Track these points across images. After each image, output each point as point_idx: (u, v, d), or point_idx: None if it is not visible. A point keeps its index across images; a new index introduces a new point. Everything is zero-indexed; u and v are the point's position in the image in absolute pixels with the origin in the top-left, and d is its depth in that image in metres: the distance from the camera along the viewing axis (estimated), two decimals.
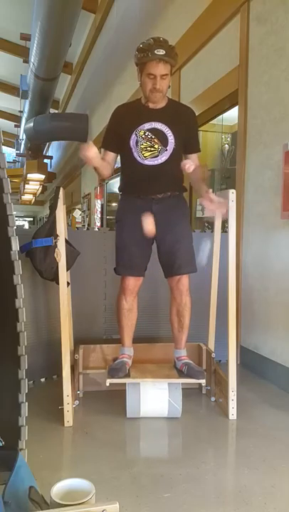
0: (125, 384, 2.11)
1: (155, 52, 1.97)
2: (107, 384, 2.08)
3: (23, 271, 1.51)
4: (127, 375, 2.12)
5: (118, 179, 2.80)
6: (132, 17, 5.14)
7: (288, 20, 2.48)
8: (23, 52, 7.49)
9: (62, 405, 2.02)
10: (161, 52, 1.97)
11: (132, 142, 2.12)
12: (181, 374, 2.17)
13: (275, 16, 2.60)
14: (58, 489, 1.09)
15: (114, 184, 7.17)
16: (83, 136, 2.08)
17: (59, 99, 10.86)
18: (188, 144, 2.21)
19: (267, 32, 2.69)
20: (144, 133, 2.11)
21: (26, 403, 1.53)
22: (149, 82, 2.05)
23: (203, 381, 2.15)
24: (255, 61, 2.84)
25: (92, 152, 2.00)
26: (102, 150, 2.25)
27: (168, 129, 2.12)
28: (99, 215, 7.82)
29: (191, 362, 2.21)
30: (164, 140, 2.12)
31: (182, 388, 2.12)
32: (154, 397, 2.07)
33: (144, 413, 2.08)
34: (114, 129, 2.21)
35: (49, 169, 12.00)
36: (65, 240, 2.14)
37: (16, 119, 11.34)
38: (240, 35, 2.97)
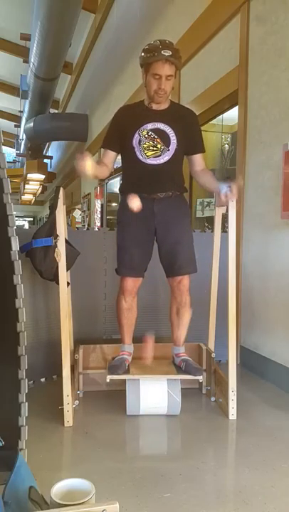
0: (125, 382, 2.12)
1: (162, 52, 1.99)
2: (108, 380, 2.10)
3: (23, 271, 1.51)
4: (127, 372, 2.14)
5: (118, 179, 2.80)
6: (132, 17, 5.14)
7: (288, 20, 2.48)
8: (23, 52, 7.50)
9: (62, 405, 2.02)
10: (168, 52, 1.99)
11: (135, 141, 2.13)
12: (179, 370, 2.19)
13: (275, 16, 2.60)
14: (58, 489, 1.09)
15: (115, 184, 7.17)
16: (83, 136, 2.08)
17: (59, 99, 10.86)
18: (192, 145, 2.22)
19: (267, 32, 2.69)
20: (147, 132, 2.13)
21: (26, 403, 1.53)
22: (154, 82, 2.06)
23: (200, 378, 2.17)
24: (255, 61, 2.84)
25: (88, 162, 1.93)
26: (103, 150, 2.26)
27: (170, 129, 2.14)
28: (99, 215, 7.82)
29: (189, 359, 2.23)
30: (166, 140, 2.13)
31: (182, 388, 2.13)
32: (154, 392, 2.10)
33: (144, 409, 2.09)
34: (116, 129, 2.21)
35: (49, 169, 12.01)
36: (65, 239, 2.14)
37: (16, 119, 11.35)
38: (240, 35, 2.97)
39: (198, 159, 2.25)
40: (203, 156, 2.28)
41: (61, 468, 1.73)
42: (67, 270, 2.15)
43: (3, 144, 1.43)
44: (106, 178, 2.24)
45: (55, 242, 2.09)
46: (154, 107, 2.17)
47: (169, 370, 2.21)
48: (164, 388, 2.10)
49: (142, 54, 2.07)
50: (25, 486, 1.08)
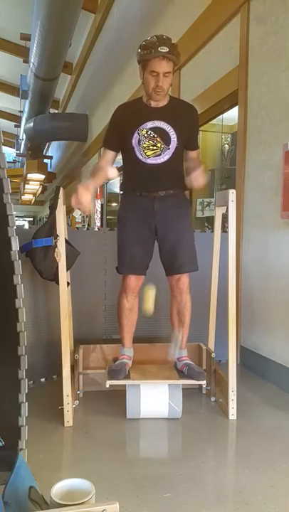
0: (125, 385, 2.11)
1: (159, 49, 1.96)
2: (107, 386, 2.07)
3: (23, 271, 1.51)
4: (127, 377, 2.12)
5: (118, 179, 2.79)
6: (132, 17, 5.14)
7: (288, 20, 2.48)
8: (23, 52, 7.51)
9: (62, 405, 2.02)
10: (165, 49, 1.96)
11: (135, 141, 2.11)
12: (181, 375, 2.16)
13: (275, 16, 2.60)
14: (58, 489, 1.09)
15: (115, 184, 7.16)
16: (83, 136, 2.08)
17: (59, 99, 10.86)
18: (189, 142, 2.21)
19: (267, 32, 2.69)
20: (147, 132, 2.11)
21: (26, 403, 1.52)
22: (152, 79, 2.03)
23: (203, 382, 2.15)
24: (255, 61, 2.84)
25: (88, 199, 1.99)
26: (103, 149, 2.25)
27: (170, 127, 2.11)
28: (99, 215, 7.82)
29: (191, 363, 2.21)
30: (166, 139, 2.11)
31: (182, 388, 2.12)
32: (155, 399, 2.07)
33: (145, 414, 2.08)
34: (115, 128, 2.20)
35: (49, 169, 12.01)
36: (65, 239, 2.13)
37: (16, 119, 11.36)
38: (240, 35, 2.97)
39: (191, 154, 2.25)
40: (198, 152, 2.27)
41: (61, 468, 1.73)
42: (67, 270, 2.14)
43: (3, 144, 1.43)
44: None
45: (55, 242, 2.08)
46: (153, 104, 2.13)
47: (171, 374, 2.18)
48: (165, 393, 2.07)
49: (139, 50, 2.03)
50: (25, 486, 1.08)
